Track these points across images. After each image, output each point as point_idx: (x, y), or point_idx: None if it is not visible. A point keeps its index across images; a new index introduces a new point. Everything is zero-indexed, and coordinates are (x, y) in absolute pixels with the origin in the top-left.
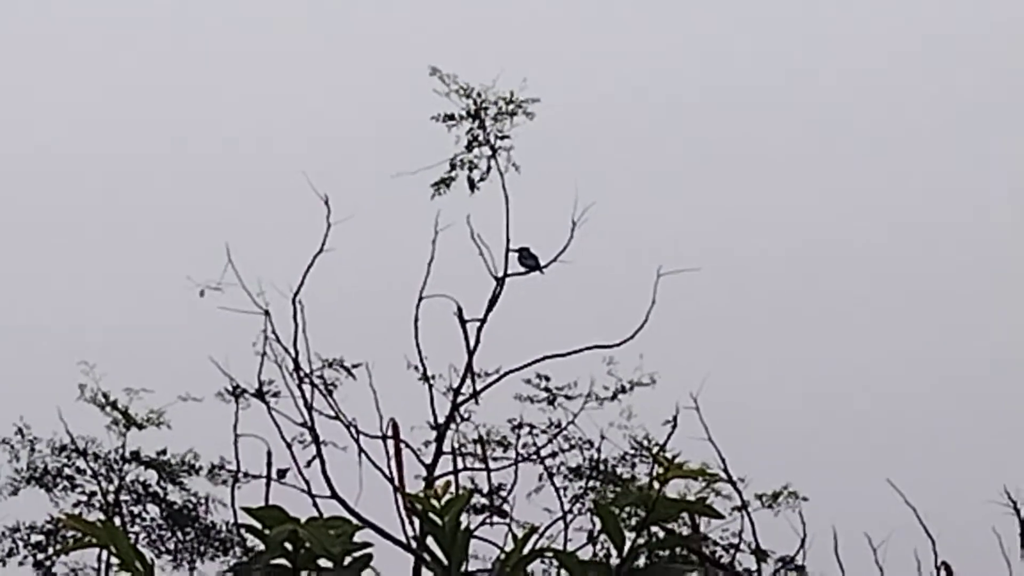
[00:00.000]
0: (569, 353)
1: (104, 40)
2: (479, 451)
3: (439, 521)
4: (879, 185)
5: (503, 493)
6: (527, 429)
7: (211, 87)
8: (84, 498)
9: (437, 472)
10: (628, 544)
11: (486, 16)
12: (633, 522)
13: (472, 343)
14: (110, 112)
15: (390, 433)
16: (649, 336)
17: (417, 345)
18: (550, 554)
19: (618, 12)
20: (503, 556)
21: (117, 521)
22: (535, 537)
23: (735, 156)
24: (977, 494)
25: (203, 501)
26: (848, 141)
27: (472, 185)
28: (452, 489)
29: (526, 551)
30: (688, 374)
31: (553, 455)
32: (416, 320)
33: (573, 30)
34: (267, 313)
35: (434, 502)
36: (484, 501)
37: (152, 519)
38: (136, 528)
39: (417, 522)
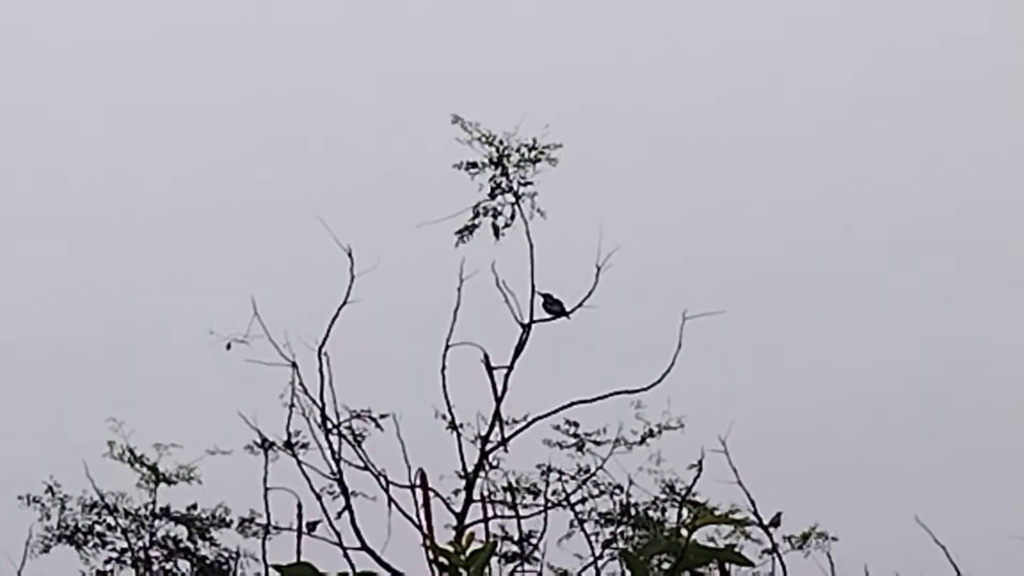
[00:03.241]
0: (597, 399)
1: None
2: (509, 499)
3: (465, 573)
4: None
5: (533, 540)
6: (556, 475)
7: (232, 123)
8: (115, 555)
9: (467, 520)
10: None
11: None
12: (665, 566)
13: (500, 390)
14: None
15: (419, 483)
16: (678, 376)
17: (445, 394)
18: None
19: (623, 22)
20: None
21: None
22: None
23: (761, 170)
24: (1009, 529)
25: (235, 555)
26: (864, 140)
27: (496, 232)
28: (478, 539)
29: None
30: (719, 411)
31: (583, 501)
32: (443, 369)
33: (574, 43)
34: (294, 365)
35: (460, 554)
36: (515, 549)
37: (183, 574)
38: None
39: (446, 574)
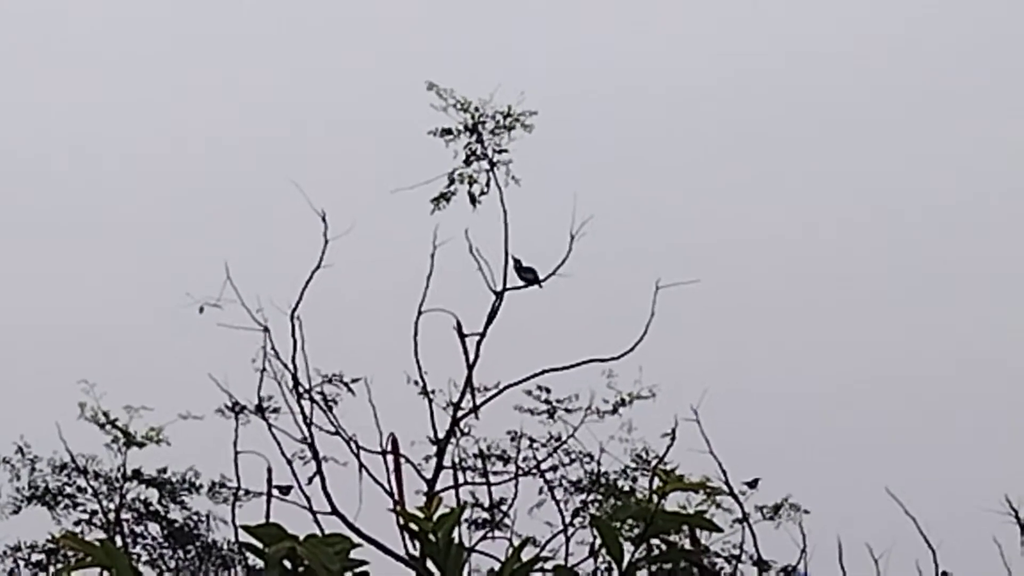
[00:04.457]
0: (568, 367)
1: (100, 40)
2: (479, 465)
3: (432, 537)
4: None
5: (503, 508)
6: (527, 443)
7: (209, 92)
8: (85, 516)
9: (438, 487)
10: (627, 557)
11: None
12: (635, 534)
13: (472, 357)
14: (105, 115)
15: (390, 448)
16: (650, 346)
17: (417, 360)
18: (546, 565)
19: (609, 7)
20: (499, 568)
21: (118, 540)
22: (535, 550)
23: (738, 152)
24: (978, 502)
25: (204, 519)
26: (847, 129)
27: (473, 200)
28: (445, 504)
29: (522, 561)
30: (690, 383)
31: (553, 469)
32: (415, 335)
33: (561, 24)
34: (266, 329)
35: (427, 519)
36: (485, 515)
37: (153, 537)
38: (137, 547)
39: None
